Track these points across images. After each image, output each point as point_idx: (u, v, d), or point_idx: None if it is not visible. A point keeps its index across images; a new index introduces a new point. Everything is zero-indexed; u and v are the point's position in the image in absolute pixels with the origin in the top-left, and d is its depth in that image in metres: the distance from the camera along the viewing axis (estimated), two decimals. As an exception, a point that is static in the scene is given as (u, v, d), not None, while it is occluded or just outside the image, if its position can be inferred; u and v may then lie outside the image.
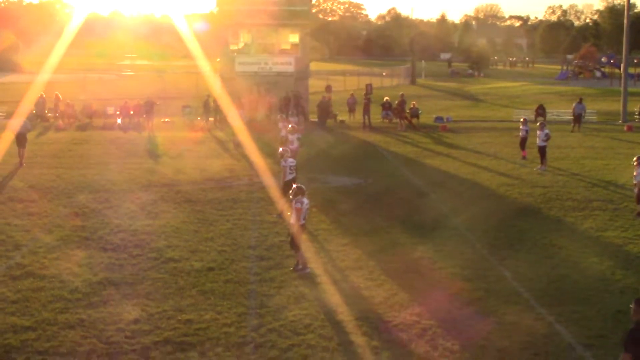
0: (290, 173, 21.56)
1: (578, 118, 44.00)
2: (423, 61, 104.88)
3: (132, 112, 45.15)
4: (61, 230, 19.78)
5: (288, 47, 48.32)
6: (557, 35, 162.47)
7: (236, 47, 48.33)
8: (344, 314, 13.95)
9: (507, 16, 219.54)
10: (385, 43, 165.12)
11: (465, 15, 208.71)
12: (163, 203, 23.22)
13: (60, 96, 48.27)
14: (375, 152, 35.12)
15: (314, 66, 56.33)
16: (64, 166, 29.81)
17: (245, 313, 13.92)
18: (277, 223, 20.58)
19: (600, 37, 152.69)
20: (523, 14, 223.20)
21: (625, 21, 49.72)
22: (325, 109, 45.96)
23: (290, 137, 26.76)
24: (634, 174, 22.51)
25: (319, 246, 18.57)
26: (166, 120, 45.25)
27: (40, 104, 46.81)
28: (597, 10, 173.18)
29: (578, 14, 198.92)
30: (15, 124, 30.85)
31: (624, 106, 49.52)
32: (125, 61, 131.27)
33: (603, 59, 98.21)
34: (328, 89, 51.46)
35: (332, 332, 13.10)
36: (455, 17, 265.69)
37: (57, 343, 12.48)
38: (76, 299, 14.60)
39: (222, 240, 18.92)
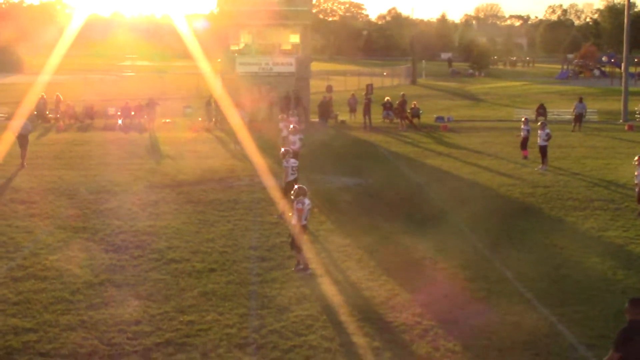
0: (292, 174, 21.55)
1: (579, 117, 43.98)
2: (423, 61, 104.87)
3: (133, 113, 45.16)
4: (62, 232, 19.79)
5: (289, 47, 48.32)
6: (558, 34, 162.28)
7: (237, 48, 48.34)
8: (346, 314, 13.94)
9: (507, 15, 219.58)
10: (386, 43, 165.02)
11: (466, 15, 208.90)
12: (164, 204, 23.22)
13: (62, 97, 48.33)
14: (376, 152, 35.12)
15: (314, 66, 56.27)
16: (65, 167, 29.82)
17: (246, 314, 13.92)
18: (278, 224, 20.58)
19: (601, 36, 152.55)
20: (523, 14, 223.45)
21: (625, 20, 49.71)
22: (326, 109, 45.98)
23: (291, 137, 26.76)
24: (635, 173, 22.48)
25: (320, 246, 18.57)
26: (167, 120, 45.25)
27: (41, 104, 46.81)
28: (598, 10, 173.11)
29: (578, 13, 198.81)
30: (17, 125, 30.85)
31: (625, 105, 49.49)
32: (126, 62, 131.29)
33: (603, 58, 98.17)
34: (329, 89, 51.50)
35: (334, 333, 13.09)
36: (456, 16, 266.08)
37: (59, 345, 12.48)
38: (78, 300, 14.61)
39: (223, 241, 18.92)
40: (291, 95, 44.96)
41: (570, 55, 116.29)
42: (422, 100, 58.15)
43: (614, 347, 9.33)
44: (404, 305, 14.45)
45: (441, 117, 49.27)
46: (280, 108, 42.98)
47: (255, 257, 17.60)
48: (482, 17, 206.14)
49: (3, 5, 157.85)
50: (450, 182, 27.52)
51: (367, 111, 44.94)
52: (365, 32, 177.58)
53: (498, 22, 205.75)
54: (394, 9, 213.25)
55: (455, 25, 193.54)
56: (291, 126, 28.59)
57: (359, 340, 12.81)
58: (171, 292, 15.13)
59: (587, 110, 46.65)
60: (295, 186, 17.14)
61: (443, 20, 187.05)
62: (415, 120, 45.62)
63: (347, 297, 14.94)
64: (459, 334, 13.01)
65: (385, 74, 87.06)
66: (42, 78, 56.51)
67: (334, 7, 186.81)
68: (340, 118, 47.65)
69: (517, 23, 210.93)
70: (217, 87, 46.02)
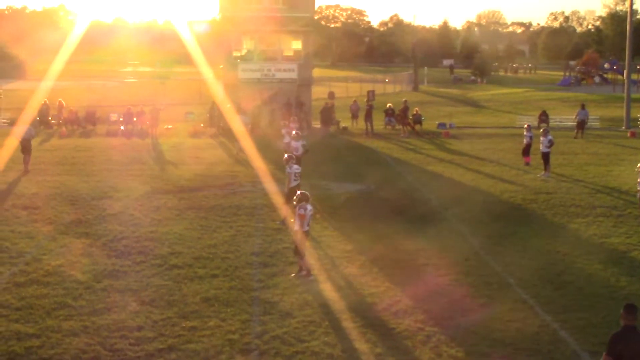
0: (295, 180, 21.56)
1: (581, 124, 43.97)
2: (425, 67, 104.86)
3: (135, 119, 45.21)
4: (65, 237, 19.80)
5: (291, 53, 48.37)
6: (560, 41, 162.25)
7: (239, 54, 48.40)
8: (348, 320, 13.93)
9: (509, 22, 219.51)
10: (388, 49, 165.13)
11: (468, 22, 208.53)
12: (166, 210, 23.23)
13: (64, 103, 48.39)
14: (378, 159, 35.12)
15: (316, 72, 56.31)
16: (67, 173, 29.84)
17: (249, 320, 13.91)
18: (280, 230, 20.58)
19: (603, 43, 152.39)
20: (525, 20, 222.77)
21: (627, 27, 49.73)
22: (328, 116, 46.00)
23: (294, 143, 26.78)
24: (638, 180, 22.48)
25: (322, 253, 18.56)
26: (169, 126, 45.28)
27: (43, 110, 46.86)
28: (600, 17, 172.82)
29: (580, 20, 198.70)
30: (20, 130, 30.90)
31: (627, 112, 49.45)
32: (128, 68, 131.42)
33: (605, 65, 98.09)
34: (331, 95, 51.55)
35: (337, 339, 13.08)
36: (458, 23, 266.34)
37: (62, 350, 12.48)
38: (80, 305, 14.60)
39: (225, 247, 18.92)
40: (292, 102, 44.97)
41: (572, 62, 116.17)
42: (424, 106, 58.20)
43: (606, 350, 9.44)
44: (406, 311, 14.44)
45: (443, 123, 49.26)
46: (282, 114, 43.00)
47: (258, 263, 17.60)
48: (484, 23, 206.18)
49: (6, 12, 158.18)
50: (453, 188, 27.50)
51: (368, 117, 44.95)
52: (367, 39, 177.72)
53: (500, 29, 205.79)
54: (396, 15, 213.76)
55: (457, 32, 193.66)
56: (293, 132, 28.60)
57: (362, 346, 12.80)
58: (174, 297, 15.13)
59: (590, 117, 46.64)
60: (298, 192, 17.16)
61: (445, 26, 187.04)
62: (417, 127, 45.62)
63: (349, 303, 14.93)
64: (461, 340, 13.00)
65: (387, 80, 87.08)
66: (45, 84, 56.59)
67: (336, 14, 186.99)
68: (342, 124, 47.65)
69: (519, 30, 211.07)
70: (219, 93, 46.04)
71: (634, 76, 76.66)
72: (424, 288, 15.89)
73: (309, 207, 16.52)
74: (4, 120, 47.61)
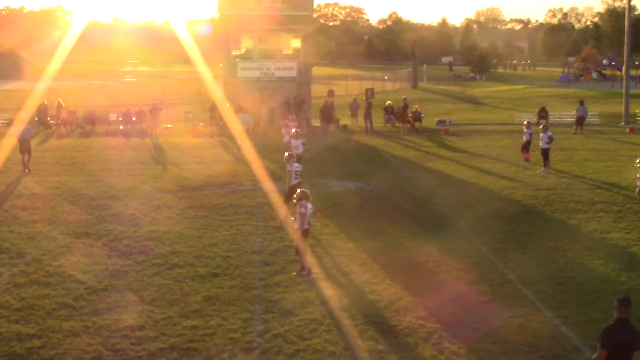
0: (295, 178, 21.58)
1: (580, 120, 43.99)
2: (425, 65, 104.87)
3: (134, 118, 45.19)
4: (65, 238, 19.79)
5: (290, 52, 48.34)
6: (558, 38, 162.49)
7: (238, 53, 48.36)
8: (350, 318, 13.93)
9: (507, 19, 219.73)
10: (387, 47, 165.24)
11: (466, 19, 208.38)
12: (167, 209, 23.22)
13: (63, 103, 48.34)
14: (378, 156, 35.12)
15: (316, 71, 56.28)
16: (67, 173, 29.83)
17: (250, 318, 13.91)
18: (281, 228, 20.57)
19: (601, 39, 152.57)
20: (524, 17, 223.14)
21: (626, 23, 49.68)
22: (327, 114, 45.97)
23: (294, 142, 26.78)
24: (637, 175, 22.51)
25: (323, 250, 18.56)
26: (168, 126, 45.26)
27: (42, 111, 46.82)
28: (598, 13, 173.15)
29: (579, 17, 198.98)
30: (18, 130, 30.87)
31: (626, 108, 49.45)
32: (127, 67, 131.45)
33: (604, 61, 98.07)
34: (330, 93, 51.52)
35: (338, 336, 13.08)
36: (457, 20, 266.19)
37: (63, 351, 12.47)
38: (81, 306, 14.60)
39: (226, 246, 18.92)
40: (291, 101, 44.94)
41: (571, 59, 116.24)
42: (423, 104, 58.18)
43: (600, 344, 9.54)
44: (407, 308, 14.45)
45: (443, 120, 49.25)
46: (282, 113, 42.98)
47: (259, 262, 17.59)
48: (483, 21, 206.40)
49: (4, 12, 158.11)
50: (453, 185, 27.51)
51: (367, 115, 44.93)
52: (366, 37, 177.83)
53: (499, 26, 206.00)
54: (394, 13, 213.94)
55: (456, 29, 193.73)
56: (293, 130, 28.59)
57: (363, 343, 12.80)
58: (175, 297, 15.13)
59: (589, 113, 46.64)
60: (298, 190, 17.17)
61: (444, 24, 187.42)
62: (417, 124, 45.61)
63: (351, 300, 14.93)
64: (463, 337, 13.00)
65: (386, 78, 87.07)
66: (43, 84, 56.56)
67: (335, 12, 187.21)
68: (342, 122, 47.64)
69: (518, 27, 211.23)
70: (217, 93, 46.00)
71: (633, 72, 76.79)
72: (425, 285, 15.89)
73: (309, 205, 16.54)
74: (2, 121, 47.56)
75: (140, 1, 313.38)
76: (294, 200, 16.79)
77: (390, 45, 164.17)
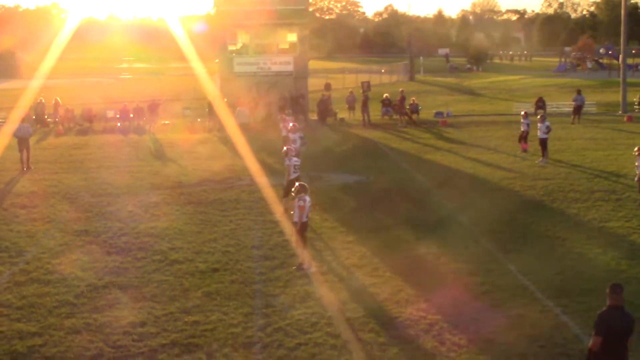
0: (294, 172, 21.59)
1: (578, 110, 43.97)
2: (421, 57, 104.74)
3: (132, 115, 45.14)
4: (64, 235, 19.78)
5: (286, 46, 48.26)
6: (555, 28, 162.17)
7: (234, 48, 48.29)
8: (351, 311, 13.95)
9: (503, 10, 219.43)
10: (383, 40, 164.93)
11: (462, 10, 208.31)
12: (166, 205, 23.21)
13: (60, 101, 48.27)
14: (376, 149, 35.10)
15: (312, 65, 56.23)
16: (65, 171, 29.79)
17: (251, 313, 13.93)
18: (280, 222, 20.57)
19: (598, 28, 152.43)
20: (519, 8, 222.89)
21: (622, 12, 49.64)
22: (325, 107, 45.94)
23: (291, 136, 26.76)
24: (636, 164, 22.51)
25: (323, 244, 18.58)
26: (166, 122, 45.21)
27: (39, 108, 46.74)
28: (594, 2, 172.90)
29: (575, 6, 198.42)
30: (16, 129, 30.83)
31: (624, 97, 49.44)
32: (123, 64, 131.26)
33: (601, 50, 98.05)
34: (327, 87, 51.46)
35: (339, 329, 13.10)
36: (452, 12, 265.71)
37: (64, 348, 12.48)
38: (82, 303, 14.61)
39: (225, 241, 18.92)
40: (287, 95, 44.88)
41: (567, 49, 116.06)
42: (420, 96, 58.12)
43: (594, 331, 9.63)
44: (408, 300, 14.47)
45: (440, 112, 49.20)
46: (279, 107, 42.94)
47: (258, 256, 17.60)
48: (479, 12, 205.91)
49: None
50: (451, 177, 27.51)
51: (365, 108, 44.90)
52: (362, 30, 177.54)
53: (495, 17, 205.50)
54: (390, 5, 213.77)
55: (452, 21, 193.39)
56: (290, 124, 28.58)
57: (365, 336, 12.82)
58: (175, 292, 15.14)
59: (586, 102, 46.61)
60: (296, 184, 17.18)
61: (440, 16, 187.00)
62: (414, 116, 45.58)
63: (351, 293, 14.95)
64: (464, 328, 13.03)
65: (383, 70, 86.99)
66: (40, 82, 56.45)
67: (331, 5, 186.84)
68: (340, 116, 47.62)
69: (514, 17, 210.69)
70: (212, 89, 45.89)
71: (630, 61, 76.73)
72: (425, 277, 15.90)
73: (308, 198, 16.55)
74: None
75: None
76: (293, 194, 16.80)
77: (386, 38, 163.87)
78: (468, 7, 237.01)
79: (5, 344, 12.66)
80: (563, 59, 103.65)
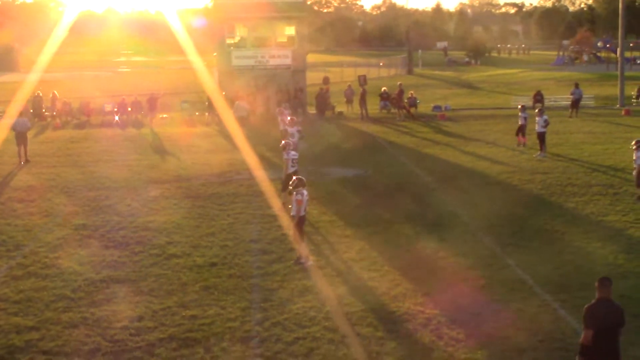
0: (292, 166, 21.55)
1: (576, 103, 43.96)
2: (419, 50, 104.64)
3: (129, 109, 45.07)
4: (62, 229, 19.76)
5: (284, 40, 48.18)
6: (553, 21, 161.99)
7: (232, 41, 48.20)
8: (348, 305, 13.94)
9: (502, 3, 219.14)
10: (381, 33, 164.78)
11: (460, 4, 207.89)
12: (164, 199, 23.18)
13: (57, 94, 48.18)
14: (374, 143, 35.07)
15: (310, 58, 56.13)
16: (63, 164, 29.75)
17: (249, 307, 13.91)
18: (278, 216, 20.55)
19: (596, 21, 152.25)
20: (518, 1, 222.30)
21: (620, 5, 49.62)
22: (323, 101, 45.89)
23: (289, 130, 26.71)
24: (633, 157, 22.51)
25: (321, 238, 18.56)
26: (164, 116, 45.15)
27: (37, 102, 46.65)
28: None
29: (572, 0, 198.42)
30: (14, 123, 30.78)
31: (621, 90, 49.44)
32: (121, 58, 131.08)
33: (599, 44, 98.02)
34: (325, 80, 51.36)
35: (337, 324, 13.08)
36: (451, 5, 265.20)
37: (61, 342, 12.46)
38: (79, 297, 14.59)
39: (223, 235, 18.90)
40: (283, 89, 44.81)
41: (565, 42, 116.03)
42: (419, 89, 58.09)
43: (584, 324, 9.74)
44: (406, 294, 14.45)
45: (438, 106, 49.16)
46: (277, 101, 42.89)
47: (256, 250, 17.58)
48: (477, 5, 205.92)
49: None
50: (449, 171, 27.49)
51: (362, 102, 44.86)
52: (360, 23, 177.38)
53: (493, 10, 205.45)
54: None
55: (450, 14, 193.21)
56: (288, 118, 28.53)
57: (362, 330, 12.81)
58: (173, 287, 15.12)
59: (584, 95, 46.60)
60: (294, 177, 17.15)
61: (438, 9, 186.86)
62: (412, 110, 45.56)
63: (349, 287, 14.94)
64: (462, 322, 13.02)
65: (381, 64, 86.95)
66: (37, 76, 56.32)
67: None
68: (338, 109, 47.59)
69: (512, 11, 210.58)
70: (210, 82, 45.77)
71: (627, 54, 76.71)
72: (423, 271, 15.89)
73: (305, 192, 16.53)
74: (-3, 114, 47.38)
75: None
76: (290, 188, 16.78)
77: (384, 32, 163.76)
78: (466, 0, 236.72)
79: (3, 338, 12.64)
80: (561, 53, 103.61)
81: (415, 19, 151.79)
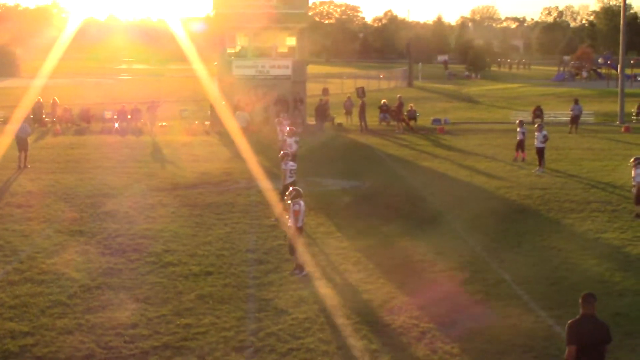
0: (290, 177, 21.58)
1: (575, 119, 43.99)
2: (420, 63, 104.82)
3: (129, 116, 45.09)
4: (59, 235, 19.75)
5: (285, 50, 48.26)
6: (554, 36, 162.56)
7: (233, 51, 48.27)
8: (343, 317, 13.93)
9: (503, 17, 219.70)
10: (382, 45, 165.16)
11: (462, 17, 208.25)
12: (161, 207, 23.18)
13: (58, 100, 48.22)
14: (373, 155, 35.10)
15: (311, 69, 56.19)
16: (61, 171, 29.75)
17: (244, 317, 13.90)
18: (275, 227, 20.56)
19: (597, 38, 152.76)
20: (519, 15, 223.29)
21: (621, 22, 49.76)
22: (322, 112, 45.93)
23: (288, 140, 26.76)
24: (632, 175, 22.52)
25: (317, 249, 18.56)
26: (164, 124, 45.17)
27: (37, 108, 46.66)
28: (593, 11, 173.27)
29: (574, 15, 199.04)
30: (15, 128, 30.81)
31: (621, 107, 49.48)
32: (122, 65, 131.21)
33: (599, 60, 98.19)
34: (325, 92, 51.43)
35: (332, 335, 13.08)
36: (452, 18, 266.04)
37: (56, 348, 12.45)
38: (75, 303, 14.58)
39: (220, 244, 18.90)
40: (282, 99, 44.84)
41: (566, 57, 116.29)
42: (418, 102, 58.11)
43: (567, 341, 9.66)
44: (401, 307, 14.44)
45: (438, 119, 49.20)
46: (277, 111, 42.92)
47: (253, 260, 17.58)
48: (478, 19, 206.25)
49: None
50: (447, 184, 27.51)
51: (362, 114, 44.88)
52: (361, 35, 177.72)
53: (494, 24, 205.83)
54: (389, 11, 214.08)
55: (451, 28, 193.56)
56: (287, 128, 28.57)
57: (357, 342, 12.80)
58: (168, 295, 15.11)
59: (584, 112, 46.65)
60: (291, 188, 17.18)
61: (439, 22, 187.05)
62: (412, 123, 45.61)
63: (344, 299, 14.93)
64: (456, 337, 13.01)
65: (381, 76, 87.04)
66: (38, 82, 56.39)
67: (330, 10, 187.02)
68: (337, 121, 47.63)
69: (513, 25, 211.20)
70: (212, 91, 45.85)
71: (628, 71, 76.84)
72: (419, 284, 15.89)
73: (303, 203, 16.55)
74: (-2, 119, 47.40)
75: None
76: (288, 199, 16.79)
77: (385, 44, 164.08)
78: (468, 13, 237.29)
79: (-3, 344, 12.63)
80: (562, 68, 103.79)
81: (416, 31, 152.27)
